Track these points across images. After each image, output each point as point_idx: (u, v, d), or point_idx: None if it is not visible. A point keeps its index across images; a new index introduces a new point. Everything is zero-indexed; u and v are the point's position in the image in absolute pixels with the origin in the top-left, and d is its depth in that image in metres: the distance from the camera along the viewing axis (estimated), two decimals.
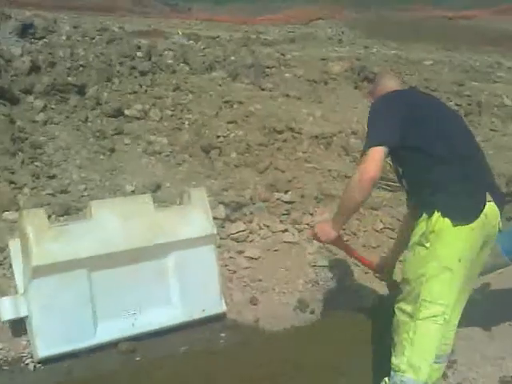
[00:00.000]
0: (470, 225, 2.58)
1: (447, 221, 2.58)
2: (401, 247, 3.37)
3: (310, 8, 20.79)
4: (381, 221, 4.89)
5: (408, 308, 2.70)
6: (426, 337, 2.64)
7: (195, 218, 3.58)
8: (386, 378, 2.75)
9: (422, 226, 2.67)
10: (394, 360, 2.70)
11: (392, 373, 2.68)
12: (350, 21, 19.40)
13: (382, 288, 4.09)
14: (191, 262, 3.55)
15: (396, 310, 2.79)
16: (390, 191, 5.45)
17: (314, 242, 4.46)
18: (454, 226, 2.57)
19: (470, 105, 7.51)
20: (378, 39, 14.18)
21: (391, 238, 4.78)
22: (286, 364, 3.11)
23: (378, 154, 2.64)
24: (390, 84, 3.16)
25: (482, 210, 2.62)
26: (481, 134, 6.96)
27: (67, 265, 3.14)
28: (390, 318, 3.53)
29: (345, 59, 8.22)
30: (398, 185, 5.44)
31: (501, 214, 2.79)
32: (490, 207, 2.68)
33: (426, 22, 19.73)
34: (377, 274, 3.74)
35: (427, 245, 2.62)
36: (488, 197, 2.68)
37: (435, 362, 2.93)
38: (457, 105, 7.37)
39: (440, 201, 2.62)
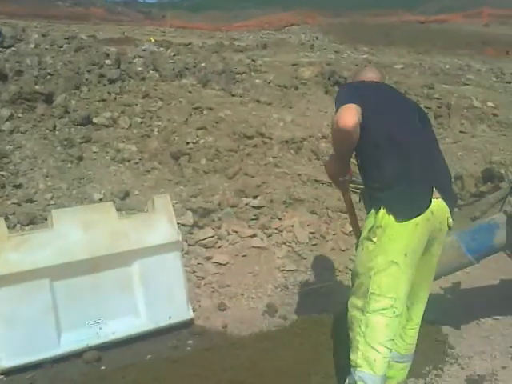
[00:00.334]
0: (414, 220, 2.64)
1: (392, 217, 2.64)
2: None
3: (283, 14, 20.89)
4: (350, 224, 4.89)
5: (359, 302, 2.74)
6: (377, 330, 2.68)
7: (159, 225, 3.56)
8: (347, 378, 2.77)
9: (370, 221, 2.74)
10: (351, 356, 2.74)
11: (351, 369, 2.72)
12: (323, 26, 19.51)
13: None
14: (156, 269, 3.53)
15: (348, 305, 2.83)
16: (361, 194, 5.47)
17: (283, 246, 4.49)
18: (399, 221, 2.64)
19: (439, 107, 7.58)
20: (351, 44, 14.29)
21: None
22: (248, 370, 3.09)
23: (351, 107, 2.67)
24: (369, 74, 3.16)
25: (427, 207, 2.67)
26: (450, 136, 7.05)
27: (28, 275, 3.11)
28: None
29: (315, 64, 8.25)
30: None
31: (451, 211, 2.85)
32: (438, 203, 2.73)
33: (398, 26, 19.92)
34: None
35: (374, 239, 2.68)
36: (436, 193, 2.72)
37: (399, 362, 3.00)
38: (426, 107, 7.41)
39: (386, 197, 2.68)
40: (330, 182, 5.53)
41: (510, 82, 9.67)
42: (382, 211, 2.67)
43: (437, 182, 2.78)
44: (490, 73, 10.11)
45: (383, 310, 2.67)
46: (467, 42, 16.80)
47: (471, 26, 20.98)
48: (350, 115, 2.63)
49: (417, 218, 2.65)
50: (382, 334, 2.68)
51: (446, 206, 2.80)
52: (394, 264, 2.66)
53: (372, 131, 2.70)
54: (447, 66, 9.80)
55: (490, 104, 8.05)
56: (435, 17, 22.36)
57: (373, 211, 2.74)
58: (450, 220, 2.86)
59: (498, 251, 3.78)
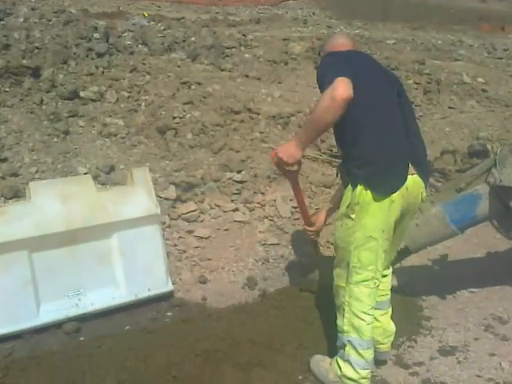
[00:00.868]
0: (390, 197, 2.71)
1: (369, 193, 2.70)
2: (333, 209, 3.57)
3: None
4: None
5: (342, 273, 2.90)
6: (360, 300, 2.85)
7: (138, 198, 3.59)
8: (337, 341, 2.96)
9: (348, 197, 2.81)
10: (338, 322, 2.94)
11: (339, 334, 2.94)
12: (320, 1, 19.29)
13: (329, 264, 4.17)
14: (135, 242, 3.57)
15: (334, 275, 2.99)
16: None
17: (265, 221, 4.52)
18: (376, 198, 2.70)
19: (429, 83, 7.55)
20: (347, 19, 14.16)
21: None
22: (222, 341, 3.15)
23: (346, 80, 2.56)
24: (341, 40, 3.14)
25: (403, 184, 2.73)
26: (439, 112, 7.04)
27: (6, 246, 3.15)
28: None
29: (306, 39, 8.19)
30: None
31: (426, 185, 2.91)
32: (413, 179, 2.79)
33: (395, 1, 19.71)
34: (306, 227, 3.70)
35: (353, 216, 2.77)
36: (412, 170, 2.79)
37: (377, 309, 3.08)
38: (416, 83, 7.41)
39: (364, 174, 2.73)
40: (316, 157, 5.60)
41: (501, 58, 9.62)
42: (360, 188, 2.73)
43: (413, 158, 2.82)
44: (482, 48, 10.05)
45: (364, 281, 2.83)
46: (463, 17, 16.65)
47: (468, 2, 20.74)
48: (347, 88, 2.54)
49: (393, 195, 2.72)
50: (365, 303, 2.85)
51: (421, 181, 2.86)
52: (373, 239, 2.76)
53: (355, 106, 2.64)
54: (439, 42, 9.73)
55: (480, 80, 8.02)
56: None
57: (350, 187, 2.80)
58: (424, 194, 2.94)
59: (481, 222, 3.88)
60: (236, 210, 4.55)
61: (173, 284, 3.83)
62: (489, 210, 3.64)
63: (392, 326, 3.26)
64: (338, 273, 2.94)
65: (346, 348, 2.88)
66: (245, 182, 4.79)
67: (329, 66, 2.80)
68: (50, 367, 2.89)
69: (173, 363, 2.93)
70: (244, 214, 4.54)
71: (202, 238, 4.28)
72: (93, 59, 6.28)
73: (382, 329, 3.21)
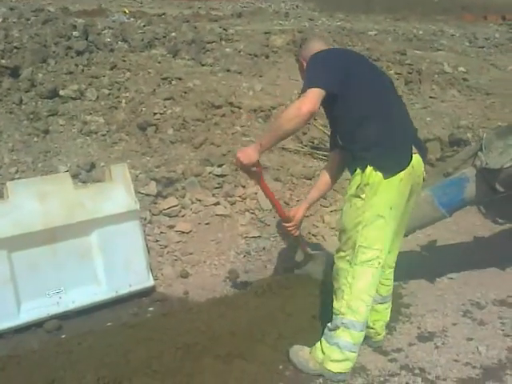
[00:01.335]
0: (399, 175, 2.82)
1: (379, 174, 2.80)
2: (317, 196, 3.59)
3: None
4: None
5: (346, 255, 2.93)
6: (363, 280, 2.90)
7: (117, 194, 3.61)
8: (329, 323, 2.99)
9: (357, 180, 2.88)
10: (335, 304, 2.97)
11: (334, 316, 2.96)
12: None
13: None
14: (115, 238, 3.59)
15: (336, 258, 3.03)
16: (327, 161, 5.52)
17: (246, 214, 4.55)
18: (386, 177, 2.80)
19: (410, 73, 7.60)
20: (331, 12, 14.17)
21: (324, 206, 4.90)
22: (202, 334, 3.16)
23: (316, 93, 2.73)
24: (318, 45, 3.20)
25: (409, 162, 2.86)
26: (420, 102, 7.09)
27: None
28: (314, 284, 3.69)
29: (287, 32, 8.20)
30: None
31: (424, 165, 3.03)
32: (416, 158, 2.92)
33: None
34: (283, 224, 3.59)
35: (363, 196, 2.85)
36: (414, 149, 2.93)
37: (382, 303, 3.27)
38: (397, 73, 7.46)
39: (372, 156, 2.83)
40: (297, 149, 5.63)
41: (482, 47, 9.69)
42: (369, 169, 2.82)
43: (414, 139, 3.00)
44: (464, 38, 10.11)
45: (369, 261, 2.89)
46: (446, 7, 16.71)
47: None
48: (315, 102, 2.71)
49: (401, 173, 2.83)
50: (368, 283, 2.92)
51: (422, 160, 2.99)
52: (381, 217, 2.85)
53: (355, 95, 2.86)
54: (421, 32, 9.78)
55: (461, 69, 8.09)
56: None
57: (359, 170, 2.87)
58: (425, 174, 3.08)
59: (468, 204, 3.98)
60: (217, 203, 4.57)
61: (154, 279, 3.86)
62: (476, 192, 3.71)
63: (388, 317, 3.37)
64: (342, 255, 2.98)
65: (338, 331, 2.91)
66: (226, 175, 4.81)
67: (311, 69, 2.92)
68: (30, 366, 2.89)
69: (153, 357, 2.94)
70: (225, 207, 4.57)
71: (183, 232, 4.31)
72: (72, 57, 6.28)
73: (383, 321, 3.31)
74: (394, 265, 3.28)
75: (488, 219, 5.02)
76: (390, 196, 2.84)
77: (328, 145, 5.72)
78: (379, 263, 2.91)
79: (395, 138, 2.88)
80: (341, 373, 2.95)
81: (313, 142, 5.81)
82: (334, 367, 2.94)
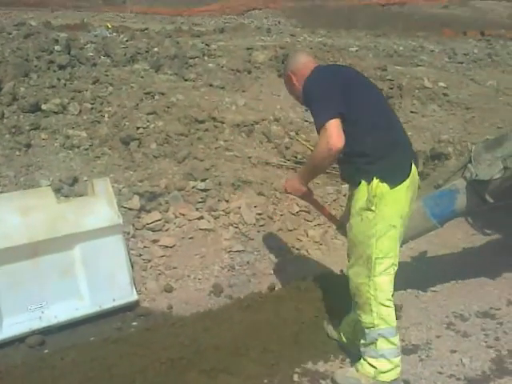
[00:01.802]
0: (405, 183, 2.91)
1: (386, 184, 2.87)
2: None
3: None
4: (297, 204, 4.98)
5: (363, 270, 2.97)
6: (384, 289, 2.97)
7: (99, 208, 3.58)
8: (362, 339, 3.05)
9: (363, 193, 2.93)
10: (365, 319, 3.01)
11: (367, 330, 3.00)
12: (286, 10, 19.50)
13: (293, 273, 4.25)
14: (98, 252, 3.56)
15: (351, 275, 3.06)
16: None
17: (230, 228, 4.55)
18: (393, 187, 2.88)
19: (391, 88, 7.69)
20: (313, 28, 14.32)
21: (307, 221, 4.92)
22: (187, 348, 3.14)
23: (337, 125, 2.82)
24: (303, 59, 3.27)
25: (410, 170, 2.97)
26: (401, 117, 7.07)
27: None
28: (298, 298, 3.69)
29: (269, 48, 8.27)
30: None
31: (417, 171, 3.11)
32: (413, 167, 3.03)
33: (360, 9, 20.03)
34: (339, 230, 3.78)
35: (373, 208, 2.89)
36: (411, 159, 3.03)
37: None
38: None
39: (378, 168, 2.88)
40: (281, 164, 5.65)
41: (461, 62, 9.84)
42: (376, 181, 2.87)
43: (410, 149, 3.11)
44: (443, 53, 10.26)
45: (386, 269, 2.97)
46: (426, 23, 16.99)
47: (431, 8, 21.20)
48: (340, 137, 2.80)
49: (406, 181, 2.92)
50: (388, 290, 3.00)
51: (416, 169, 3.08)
52: (393, 227, 2.94)
53: (356, 113, 2.92)
54: (401, 48, 9.91)
55: (441, 84, 8.20)
56: None
57: (364, 183, 2.92)
58: (419, 181, 3.18)
59: (459, 215, 4.10)
60: (201, 218, 4.56)
61: (138, 294, 3.83)
62: (466, 203, 3.80)
63: None
64: (357, 271, 3.01)
65: (378, 343, 2.97)
66: (209, 190, 4.81)
67: (317, 95, 2.98)
68: (12, 381, 2.85)
69: (137, 372, 2.91)
70: (209, 221, 4.56)
71: (167, 246, 4.29)
72: (54, 71, 6.27)
73: None
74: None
75: (476, 231, 5.15)
76: (400, 205, 2.94)
77: None
78: (394, 269, 3.02)
79: (397, 147, 2.96)
80: (394, 379, 3.01)
81: (296, 157, 5.84)
82: (387, 377, 2.99)
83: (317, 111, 2.93)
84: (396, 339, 3.02)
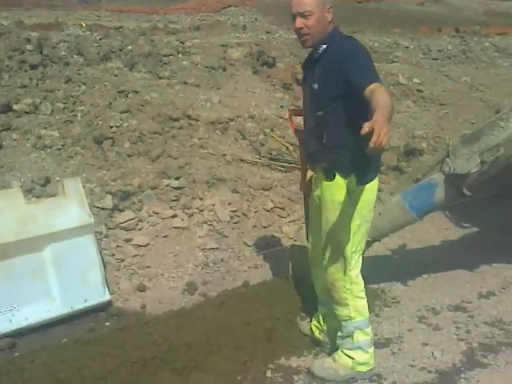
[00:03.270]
0: (376, 180, 2.98)
1: (365, 180, 2.91)
2: None
3: None
4: (271, 201, 5.00)
5: (339, 264, 3.00)
6: (357, 281, 3.05)
7: (70, 208, 3.56)
8: (339, 332, 3.11)
9: (340, 187, 2.91)
10: (341, 312, 3.07)
11: (343, 323, 3.08)
12: (262, 7, 19.47)
13: (267, 269, 4.26)
14: (69, 253, 3.53)
15: (329, 271, 3.06)
16: (285, 172, 5.58)
17: (204, 226, 4.53)
18: (368, 183, 2.92)
19: None
20: (289, 25, 14.30)
21: (282, 217, 4.92)
22: (159, 347, 3.15)
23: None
24: None
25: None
26: None
27: None
28: (271, 294, 3.71)
29: (244, 45, 8.24)
30: (292, 165, 5.63)
31: None
32: None
33: (337, 6, 20.00)
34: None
35: (353, 203, 2.91)
36: None
37: None
38: None
39: (358, 164, 2.86)
40: (255, 161, 5.65)
41: (436, 59, 9.91)
42: (354, 177, 2.88)
43: None
44: (418, 50, 10.32)
45: (357, 262, 3.05)
46: (403, 20, 17.07)
47: (407, 5, 21.32)
48: None
49: (377, 178, 2.98)
50: (361, 281, 3.08)
51: None
52: (367, 222, 3.03)
53: (356, 105, 2.71)
54: (376, 44, 9.92)
55: (415, 80, 8.25)
56: None
57: (340, 178, 2.90)
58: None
59: (437, 209, 4.22)
60: (174, 216, 4.54)
61: (111, 294, 3.81)
62: (445, 196, 3.85)
63: None
64: (335, 266, 3.02)
65: (355, 335, 3.05)
66: (183, 188, 4.79)
67: (367, 60, 2.77)
68: None
69: (109, 372, 2.90)
70: (183, 219, 4.55)
71: (140, 246, 4.27)
72: (26, 71, 6.19)
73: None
74: None
75: (453, 224, 5.22)
76: (373, 200, 3.02)
77: (286, 156, 5.84)
78: (362, 258, 3.09)
79: None
80: (369, 370, 3.12)
81: (270, 154, 5.84)
82: (364, 368, 3.10)
83: (372, 71, 2.69)
84: (370, 329, 3.11)
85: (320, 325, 3.36)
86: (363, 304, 3.08)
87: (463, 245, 4.96)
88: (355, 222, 2.93)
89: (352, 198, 2.89)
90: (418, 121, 7.18)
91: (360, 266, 3.07)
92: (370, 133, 2.21)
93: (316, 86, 2.94)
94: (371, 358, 3.11)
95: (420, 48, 10.49)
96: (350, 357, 3.09)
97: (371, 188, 2.95)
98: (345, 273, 3.00)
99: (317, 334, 3.40)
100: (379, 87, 2.56)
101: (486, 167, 3.78)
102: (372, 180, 2.94)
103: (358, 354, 3.07)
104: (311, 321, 3.45)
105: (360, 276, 3.07)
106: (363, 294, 3.09)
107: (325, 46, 2.92)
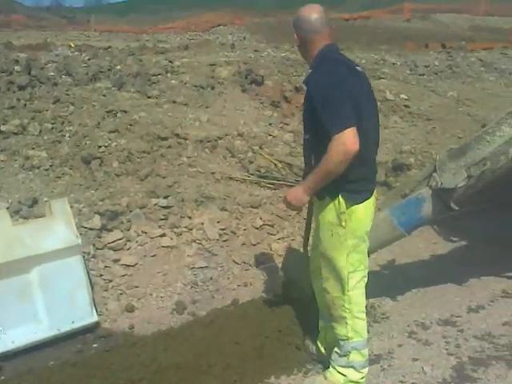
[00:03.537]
0: (371, 199, 2.97)
1: (354, 200, 2.90)
2: None
3: (210, 15, 20.86)
4: (260, 218, 4.99)
5: (337, 283, 3.01)
6: (358, 301, 3.05)
7: (57, 229, 3.54)
8: (336, 349, 3.10)
9: (331, 207, 2.93)
10: (340, 331, 3.08)
11: (341, 342, 3.08)
12: (250, 26, 19.64)
13: (257, 287, 4.25)
14: (56, 274, 3.51)
15: (327, 288, 3.08)
16: (273, 189, 5.58)
17: (193, 244, 4.53)
18: (360, 203, 2.91)
19: None
20: (278, 43, 14.41)
21: (271, 234, 4.92)
22: (147, 368, 3.13)
23: (354, 132, 2.67)
24: (316, 25, 2.98)
25: (374, 188, 3.02)
26: None
27: None
28: (260, 313, 3.69)
29: (233, 63, 8.30)
30: (281, 182, 5.64)
31: None
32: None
33: None
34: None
35: (343, 224, 2.91)
36: None
37: None
38: None
39: (348, 185, 2.87)
40: (244, 178, 5.66)
41: (422, 75, 10.01)
42: (343, 197, 2.88)
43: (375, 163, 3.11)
44: (405, 66, 10.42)
45: (358, 282, 3.02)
46: (389, 37, 17.25)
47: (394, 22, 21.59)
48: (356, 143, 2.67)
49: (372, 198, 2.97)
50: (362, 302, 3.08)
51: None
52: (363, 241, 3.01)
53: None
54: (363, 61, 10.01)
55: (402, 96, 8.32)
56: (359, 14, 22.91)
57: (329, 198, 2.92)
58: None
59: (425, 223, 4.21)
60: (163, 235, 4.53)
61: (99, 315, 3.78)
62: (432, 211, 3.87)
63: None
64: (332, 284, 3.04)
65: (351, 355, 3.04)
66: (171, 206, 4.78)
67: (332, 99, 2.78)
68: None
69: None
70: (171, 238, 4.53)
71: (128, 265, 4.25)
72: (14, 92, 6.19)
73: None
74: None
75: (442, 238, 5.24)
76: (367, 220, 3.00)
77: (275, 173, 5.86)
78: (365, 281, 3.07)
79: (369, 165, 2.98)
80: None
81: (259, 171, 5.86)
82: None
83: (334, 118, 2.74)
84: (366, 351, 3.09)
85: (323, 340, 3.37)
86: (362, 325, 3.07)
87: (452, 259, 4.97)
88: (348, 242, 2.93)
89: (342, 219, 2.90)
90: (405, 136, 7.23)
91: (363, 286, 3.05)
92: None
93: (303, 109, 3.01)
94: (363, 378, 3.09)
95: (407, 64, 10.60)
96: (342, 374, 3.08)
97: (363, 209, 2.92)
98: (343, 292, 3.00)
99: (322, 349, 3.40)
100: (332, 146, 2.69)
101: (472, 181, 3.80)
102: (362, 201, 2.92)
103: (351, 372, 3.07)
104: (315, 339, 3.46)
105: (361, 296, 3.06)
106: (363, 316, 3.08)
107: (310, 70, 3.03)
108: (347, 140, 2.66)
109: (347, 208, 2.88)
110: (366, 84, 3.05)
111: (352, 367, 3.05)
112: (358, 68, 3.05)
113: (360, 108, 2.81)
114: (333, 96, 2.78)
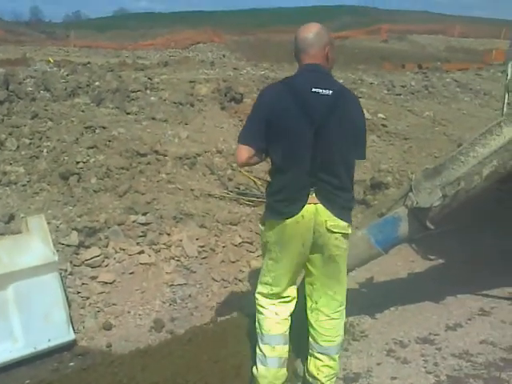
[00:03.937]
0: (286, 222, 2.90)
1: (263, 218, 3.13)
2: None
3: (190, 32, 20.95)
4: (239, 235, 4.99)
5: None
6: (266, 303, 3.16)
7: (34, 246, 3.49)
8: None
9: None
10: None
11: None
12: (230, 44, 19.77)
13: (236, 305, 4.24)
14: (32, 292, 3.45)
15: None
16: (253, 207, 5.59)
17: (171, 261, 4.51)
18: (266, 220, 3.06)
19: None
20: (257, 61, 14.53)
21: (250, 252, 4.92)
22: None
23: (246, 149, 2.90)
24: (309, 49, 2.92)
25: (298, 211, 2.85)
26: None
27: None
28: (239, 330, 3.67)
29: (212, 81, 8.34)
30: (260, 200, 5.65)
31: (337, 216, 2.90)
32: (311, 208, 2.85)
33: None
34: None
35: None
36: (314, 199, 2.85)
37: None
38: None
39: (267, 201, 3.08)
40: (223, 195, 5.65)
41: (400, 94, 10.16)
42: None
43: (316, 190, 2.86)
44: (382, 86, 10.58)
45: (269, 291, 3.13)
46: (367, 57, 17.51)
47: (371, 42, 21.91)
48: (244, 157, 2.92)
49: (287, 221, 2.88)
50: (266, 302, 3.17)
51: (327, 210, 2.86)
52: (271, 259, 3.09)
53: (274, 151, 2.92)
54: (341, 81, 10.13)
55: (380, 115, 8.43)
56: (338, 34, 23.23)
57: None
58: (330, 224, 2.90)
59: (402, 242, 4.16)
60: (141, 252, 4.50)
61: (76, 332, 3.72)
62: (409, 230, 3.88)
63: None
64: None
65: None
66: (150, 223, 4.76)
67: (249, 116, 3.00)
68: None
69: None
70: (150, 255, 4.50)
71: (106, 283, 4.20)
72: None
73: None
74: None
75: (420, 256, 5.28)
76: (268, 240, 3.04)
77: (254, 191, 5.88)
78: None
79: (286, 190, 2.88)
80: None
81: (238, 188, 5.87)
82: None
83: (243, 127, 3.02)
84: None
85: None
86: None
87: (429, 277, 5.01)
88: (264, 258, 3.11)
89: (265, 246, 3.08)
90: (383, 155, 7.32)
91: (267, 295, 3.10)
92: None
93: None
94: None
95: (384, 84, 10.76)
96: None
97: (267, 227, 3.00)
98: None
99: None
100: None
101: (447, 201, 3.85)
102: (268, 219, 2.99)
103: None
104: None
105: (266, 299, 3.11)
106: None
107: None
108: (238, 153, 2.94)
109: (261, 224, 3.11)
110: (328, 105, 2.84)
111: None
112: (320, 90, 2.84)
113: (287, 129, 2.82)
114: (250, 114, 3.00)
